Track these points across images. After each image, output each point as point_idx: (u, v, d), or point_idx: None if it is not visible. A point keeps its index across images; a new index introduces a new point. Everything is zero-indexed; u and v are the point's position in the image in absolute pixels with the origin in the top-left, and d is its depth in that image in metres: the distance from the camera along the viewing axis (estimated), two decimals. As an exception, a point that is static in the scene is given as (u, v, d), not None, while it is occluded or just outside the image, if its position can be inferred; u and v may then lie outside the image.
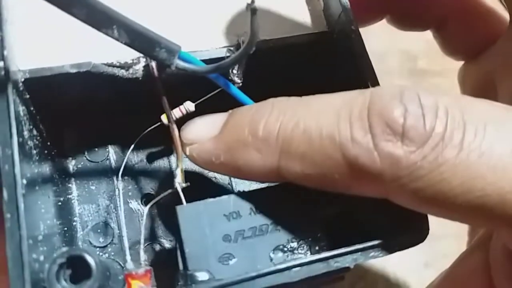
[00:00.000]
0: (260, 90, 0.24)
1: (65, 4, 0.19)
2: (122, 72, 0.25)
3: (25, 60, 0.23)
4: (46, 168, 0.25)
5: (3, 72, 0.20)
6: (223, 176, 0.30)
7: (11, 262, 0.18)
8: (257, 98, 0.24)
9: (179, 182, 0.24)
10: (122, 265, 0.27)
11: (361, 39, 0.25)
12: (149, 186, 0.29)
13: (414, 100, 0.20)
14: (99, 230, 0.28)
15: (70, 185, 0.28)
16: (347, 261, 0.22)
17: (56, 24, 0.24)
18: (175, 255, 0.23)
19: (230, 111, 0.24)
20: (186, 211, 0.23)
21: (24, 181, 0.20)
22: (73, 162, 0.29)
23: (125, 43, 0.21)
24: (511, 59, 0.27)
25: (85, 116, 0.28)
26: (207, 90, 0.26)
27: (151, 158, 0.30)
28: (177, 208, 0.23)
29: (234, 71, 0.25)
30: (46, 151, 0.25)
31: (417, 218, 0.22)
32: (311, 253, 0.23)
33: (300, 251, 0.23)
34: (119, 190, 0.27)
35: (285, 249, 0.23)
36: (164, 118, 0.25)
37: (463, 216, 0.20)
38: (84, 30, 0.20)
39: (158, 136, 0.26)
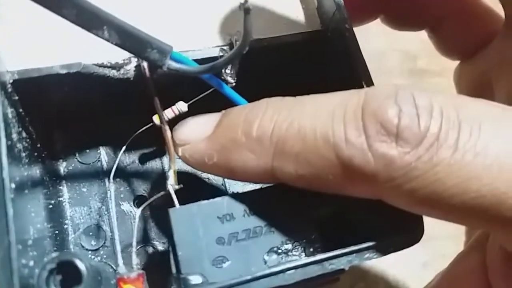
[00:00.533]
0: (254, 90, 0.24)
1: (55, 5, 0.19)
2: (113, 73, 0.24)
3: (13, 61, 0.23)
4: (36, 171, 0.24)
5: (-10, 74, 0.20)
6: (216, 177, 0.30)
7: (-1, 268, 0.18)
8: (251, 98, 0.24)
9: (171, 184, 0.24)
10: (115, 268, 0.27)
11: (355, 38, 0.25)
12: (141, 187, 0.29)
13: (409, 100, 0.19)
14: (91, 233, 0.27)
15: (61, 187, 0.28)
16: (342, 263, 0.22)
17: (46, 25, 0.24)
18: (169, 258, 0.23)
19: (223, 111, 0.24)
20: (179, 214, 0.23)
21: (13, 185, 0.19)
22: (64, 164, 0.28)
23: (115, 44, 0.21)
24: (507, 58, 0.27)
25: (76, 117, 0.27)
26: (200, 90, 0.25)
27: (143, 159, 0.29)
28: (169, 211, 0.22)
29: (227, 71, 0.25)
30: (36, 154, 0.25)
31: (411, 219, 0.22)
32: (306, 255, 0.23)
33: (294, 253, 0.23)
34: (110, 192, 0.27)
35: (279, 251, 0.23)
36: (156, 118, 0.24)
37: (458, 217, 0.20)
38: (74, 30, 0.20)
39: (150, 137, 0.25)
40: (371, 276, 0.45)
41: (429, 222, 0.23)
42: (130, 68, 0.24)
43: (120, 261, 0.23)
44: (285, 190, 0.22)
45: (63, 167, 0.28)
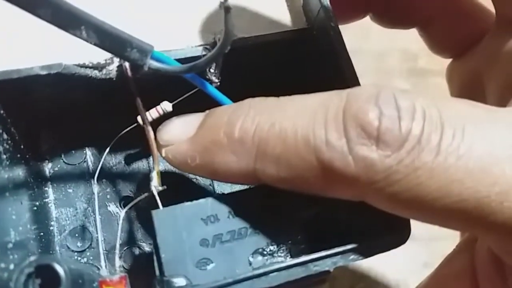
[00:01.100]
0: (239, 90, 0.24)
1: (29, 4, 0.19)
2: (95, 73, 0.24)
3: (-8, 62, 0.22)
4: (19, 173, 0.24)
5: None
6: (204, 178, 0.30)
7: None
8: (236, 98, 0.23)
9: (155, 185, 0.23)
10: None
11: (340, 36, 0.25)
12: (127, 188, 0.29)
13: (390, 102, 0.19)
14: (77, 235, 0.27)
15: (46, 188, 0.28)
16: (326, 265, 0.22)
17: (24, 25, 0.24)
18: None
19: (207, 111, 0.23)
20: (161, 215, 0.22)
21: (-9, 188, 0.19)
22: (50, 165, 0.28)
23: (94, 44, 0.20)
24: (498, 56, 0.27)
25: (61, 118, 0.27)
26: (185, 89, 0.25)
27: (129, 160, 0.29)
28: (152, 213, 0.22)
29: (212, 70, 0.24)
30: (18, 155, 0.25)
31: (398, 220, 0.22)
32: (291, 256, 0.23)
33: (280, 254, 0.23)
34: (95, 193, 0.27)
35: (265, 252, 0.23)
36: (140, 119, 0.24)
37: (441, 221, 0.20)
38: (55, 30, 0.19)
39: (136, 137, 0.25)
40: (371, 276, 0.45)
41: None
42: (113, 69, 0.24)
43: (103, 263, 0.23)
44: (270, 191, 0.22)
45: (48, 168, 0.28)
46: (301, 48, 0.27)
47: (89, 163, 0.28)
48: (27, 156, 0.26)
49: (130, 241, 0.28)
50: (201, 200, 0.23)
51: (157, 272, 0.22)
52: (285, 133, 0.20)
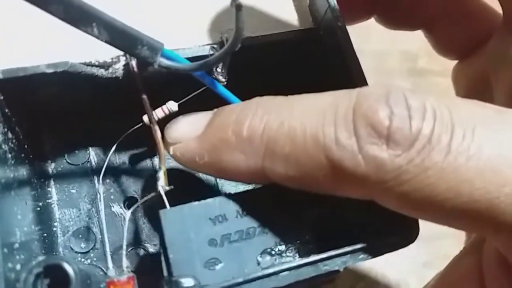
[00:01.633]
0: (245, 89, 0.24)
1: (42, 1, 0.18)
2: (101, 72, 0.24)
3: (-2, 60, 0.22)
4: (23, 172, 0.24)
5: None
6: (209, 177, 0.30)
7: (-16, 273, 0.18)
8: (242, 97, 0.23)
9: (162, 185, 0.23)
10: (105, 271, 0.26)
11: (348, 36, 0.25)
12: (131, 189, 0.28)
13: (401, 102, 0.19)
14: (80, 236, 0.27)
15: (49, 189, 0.27)
16: (336, 264, 0.22)
17: (32, 22, 0.23)
18: (160, 260, 0.22)
19: (215, 109, 0.23)
20: (169, 215, 0.22)
21: (-2, 187, 0.19)
22: (53, 165, 0.28)
23: (105, 41, 0.20)
24: (506, 57, 0.27)
25: (64, 117, 0.27)
26: (191, 89, 0.25)
27: (133, 160, 0.29)
28: (160, 213, 0.22)
29: (218, 70, 0.24)
30: (23, 155, 0.24)
31: (407, 219, 0.22)
32: (300, 256, 0.23)
33: (288, 254, 0.23)
34: (100, 193, 0.26)
35: (273, 252, 0.23)
36: (146, 118, 0.24)
37: (451, 221, 0.20)
38: (61, 28, 0.19)
39: (140, 137, 0.25)
40: (371, 276, 0.45)
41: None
42: (119, 67, 0.24)
43: (110, 264, 0.22)
44: (279, 190, 0.22)
45: (51, 168, 0.28)
46: (307, 47, 0.27)
47: (93, 163, 0.28)
48: (31, 156, 0.26)
49: (135, 242, 0.27)
50: (209, 200, 0.23)
51: (165, 273, 0.22)
52: (294, 131, 0.20)
